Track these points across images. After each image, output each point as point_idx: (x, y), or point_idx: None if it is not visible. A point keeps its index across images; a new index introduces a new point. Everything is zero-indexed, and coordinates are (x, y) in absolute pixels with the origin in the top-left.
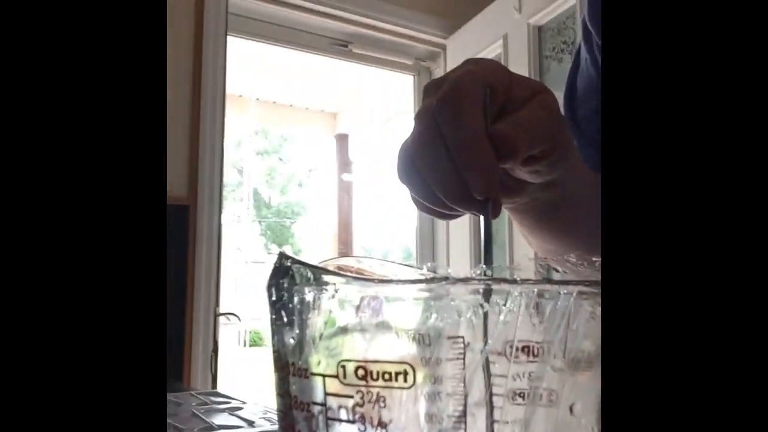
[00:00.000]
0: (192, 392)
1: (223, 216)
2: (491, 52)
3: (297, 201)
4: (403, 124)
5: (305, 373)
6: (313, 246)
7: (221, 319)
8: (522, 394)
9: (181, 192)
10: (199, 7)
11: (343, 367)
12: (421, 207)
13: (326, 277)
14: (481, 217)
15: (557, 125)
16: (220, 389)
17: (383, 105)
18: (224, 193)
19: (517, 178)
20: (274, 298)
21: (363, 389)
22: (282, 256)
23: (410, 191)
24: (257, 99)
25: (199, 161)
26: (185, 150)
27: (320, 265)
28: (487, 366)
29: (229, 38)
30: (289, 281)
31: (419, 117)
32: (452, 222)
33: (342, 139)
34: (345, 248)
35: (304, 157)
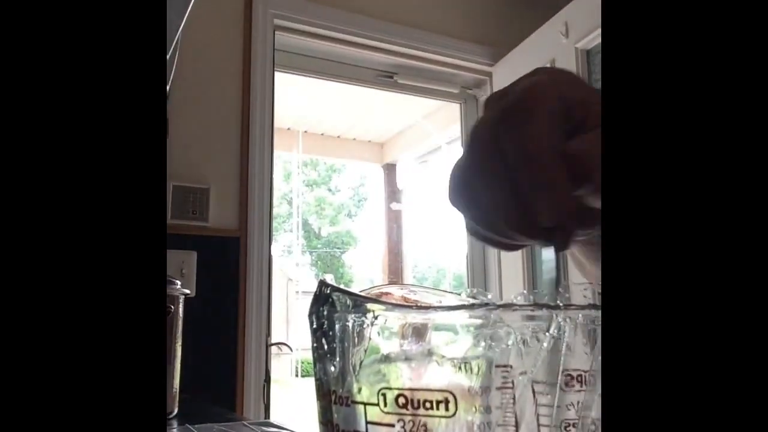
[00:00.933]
0: (245, 422)
1: (273, 247)
2: None
3: (346, 231)
4: (451, 152)
5: (346, 401)
6: (364, 275)
7: (273, 349)
8: (571, 424)
9: (231, 224)
10: (247, 44)
11: (384, 395)
12: (480, 236)
13: (366, 305)
14: (549, 251)
15: None
16: (273, 419)
17: (430, 133)
18: (274, 224)
19: (589, 208)
20: (314, 326)
21: (404, 417)
22: (322, 283)
23: (465, 217)
24: (305, 131)
25: (249, 194)
26: (235, 183)
27: (361, 293)
28: (534, 395)
29: (276, 73)
30: (329, 309)
31: (475, 132)
32: None
33: (390, 169)
34: (395, 277)
35: (353, 187)
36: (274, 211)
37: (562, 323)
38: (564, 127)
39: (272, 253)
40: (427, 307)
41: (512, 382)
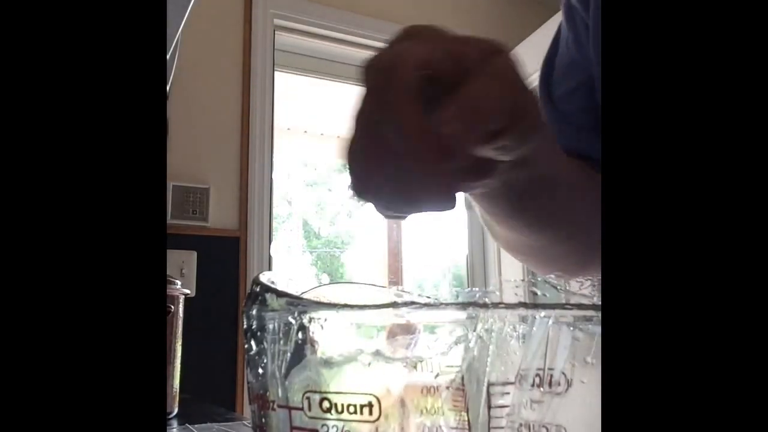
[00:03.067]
0: (245, 422)
1: (273, 247)
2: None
3: (346, 231)
4: None
5: (272, 405)
6: (364, 275)
7: None
8: (529, 426)
9: (231, 224)
10: (247, 44)
11: (308, 398)
12: (388, 215)
13: (297, 305)
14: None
15: (517, 92)
16: None
17: None
18: (274, 224)
19: (482, 158)
20: (245, 327)
21: (328, 422)
22: (254, 282)
23: (377, 206)
24: (305, 131)
25: (249, 194)
26: (235, 183)
27: (292, 293)
28: (488, 396)
29: (276, 73)
30: (258, 309)
31: (358, 119)
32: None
33: None
34: (395, 277)
35: None
36: (274, 211)
37: (491, 322)
38: (427, 96)
39: (272, 253)
40: (362, 306)
41: (463, 383)
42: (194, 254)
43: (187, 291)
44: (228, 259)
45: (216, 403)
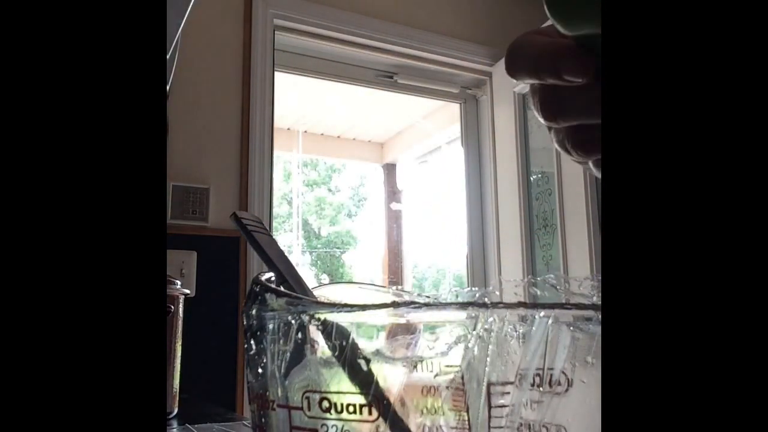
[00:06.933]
0: (244, 422)
1: None
2: None
3: (346, 231)
4: (451, 152)
5: (272, 405)
6: (364, 275)
7: None
8: (529, 426)
9: (231, 224)
10: (247, 44)
11: (308, 398)
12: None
13: (293, 305)
14: None
15: None
16: None
17: (430, 133)
18: (274, 224)
19: None
20: (245, 326)
21: (327, 422)
22: (254, 281)
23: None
24: (305, 131)
25: (249, 194)
26: (235, 183)
27: (292, 293)
28: (488, 396)
29: (276, 73)
30: (258, 309)
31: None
32: (503, 246)
33: (390, 169)
34: (395, 277)
35: (353, 187)
36: (274, 211)
37: (491, 322)
38: None
39: None
40: (362, 306)
41: (463, 383)
42: (194, 254)
43: (187, 291)
44: (228, 259)
45: (216, 403)
